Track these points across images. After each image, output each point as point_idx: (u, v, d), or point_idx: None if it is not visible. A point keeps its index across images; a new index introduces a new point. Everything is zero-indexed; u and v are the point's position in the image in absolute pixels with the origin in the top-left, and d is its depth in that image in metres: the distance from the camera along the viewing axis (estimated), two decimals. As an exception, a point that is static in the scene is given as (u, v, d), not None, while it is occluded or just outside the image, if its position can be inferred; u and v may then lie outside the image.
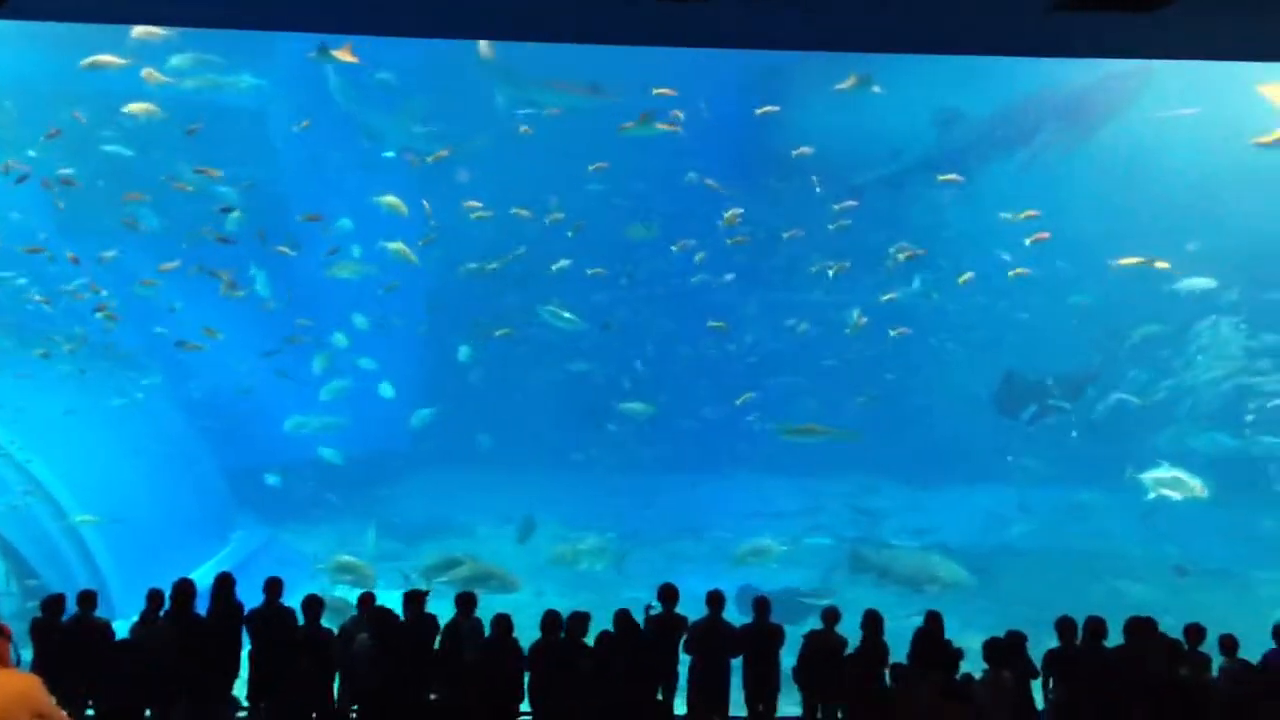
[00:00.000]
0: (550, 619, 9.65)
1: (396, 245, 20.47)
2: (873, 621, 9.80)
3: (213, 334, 19.34)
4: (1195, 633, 9.49)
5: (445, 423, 23.06)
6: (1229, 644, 9.34)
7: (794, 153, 21.77)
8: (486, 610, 10.08)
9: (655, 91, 20.39)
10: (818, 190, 23.16)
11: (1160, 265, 21.00)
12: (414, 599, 10.00)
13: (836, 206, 22.31)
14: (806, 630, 10.17)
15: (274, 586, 9.83)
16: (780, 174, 24.04)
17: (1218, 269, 22.97)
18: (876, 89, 19.95)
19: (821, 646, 9.83)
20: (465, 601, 10.00)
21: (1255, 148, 20.57)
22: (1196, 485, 20.42)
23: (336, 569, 17.68)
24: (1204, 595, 18.74)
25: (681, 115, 21.20)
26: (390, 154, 22.73)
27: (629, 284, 24.96)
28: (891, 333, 22.48)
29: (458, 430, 23.49)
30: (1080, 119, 24.80)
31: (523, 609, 10.92)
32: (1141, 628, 9.65)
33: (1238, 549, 21.37)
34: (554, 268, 21.92)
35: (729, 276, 24.29)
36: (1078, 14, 9.59)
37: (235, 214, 19.30)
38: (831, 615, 9.97)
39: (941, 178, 22.96)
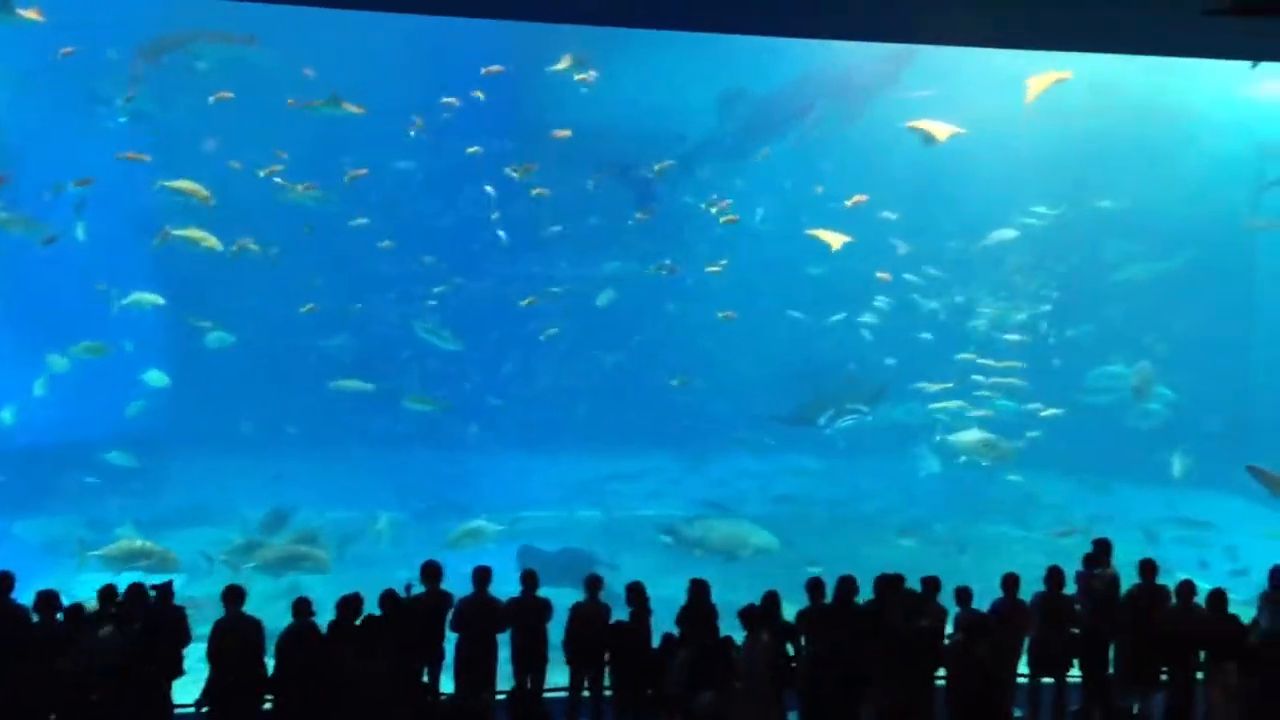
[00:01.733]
0: (300, 604, 9.37)
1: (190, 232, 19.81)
2: (636, 593, 9.93)
3: None
4: (931, 585, 10.09)
5: (199, 406, 22.44)
6: (963, 595, 9.95)
7: (554, 134, 22.03)
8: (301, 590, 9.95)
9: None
10: (591, 185, 23.63)
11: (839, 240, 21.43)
12: (233, 594, 9.51)
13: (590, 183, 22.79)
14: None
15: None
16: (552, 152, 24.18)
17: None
18: (590, 74, 20.29)
19: (586, 617, 9.94)
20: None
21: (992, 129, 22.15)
22: (1005, 447, 21.40)
23: (124, 555, 16.34)
24: (975, 553, 19.95)
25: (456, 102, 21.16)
26: (123, 119, 21.64)
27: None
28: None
29: (213, 414, 22.91)
30: (847, 98, 25.67)
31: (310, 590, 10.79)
32: (888, 584, 10.15)
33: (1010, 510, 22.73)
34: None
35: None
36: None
37: None
38: (594, 584, 10.06)
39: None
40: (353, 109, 19.90)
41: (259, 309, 23.50)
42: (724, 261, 23.64)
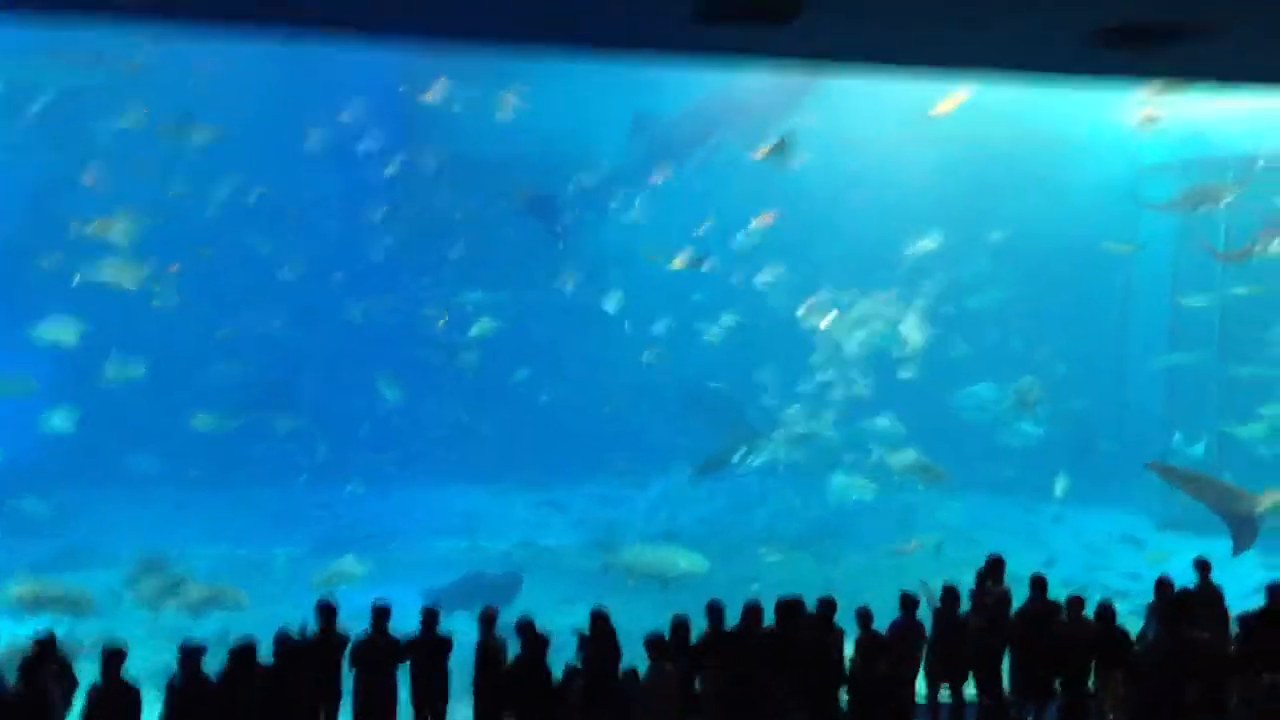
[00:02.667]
0: (188, 651, 9.00)
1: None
2: (526, 629, 9.75)
3: None
4: (827, 606, 10.17)
5: (95, 443, 21.65)
6: (863, 617, 10.06)
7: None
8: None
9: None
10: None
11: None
12: (114, 659, 8.82)
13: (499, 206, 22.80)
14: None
15: None
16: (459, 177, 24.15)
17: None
18: (510, 100, 20.42)
19: (484, 653, 9.79)
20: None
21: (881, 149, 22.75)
22: (937, 470, 21.61)
23: (32, 601, 15.32)
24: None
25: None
26: None
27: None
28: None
29: (96, 448, 22.25)
30: (748, 124, 26.06)
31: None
32: (789, 607, 10.19)
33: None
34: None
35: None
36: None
37: None
38: (487, 618, 9.92)
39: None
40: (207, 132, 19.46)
41: (158, 339, 22.92)
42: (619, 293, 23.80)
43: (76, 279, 20.42)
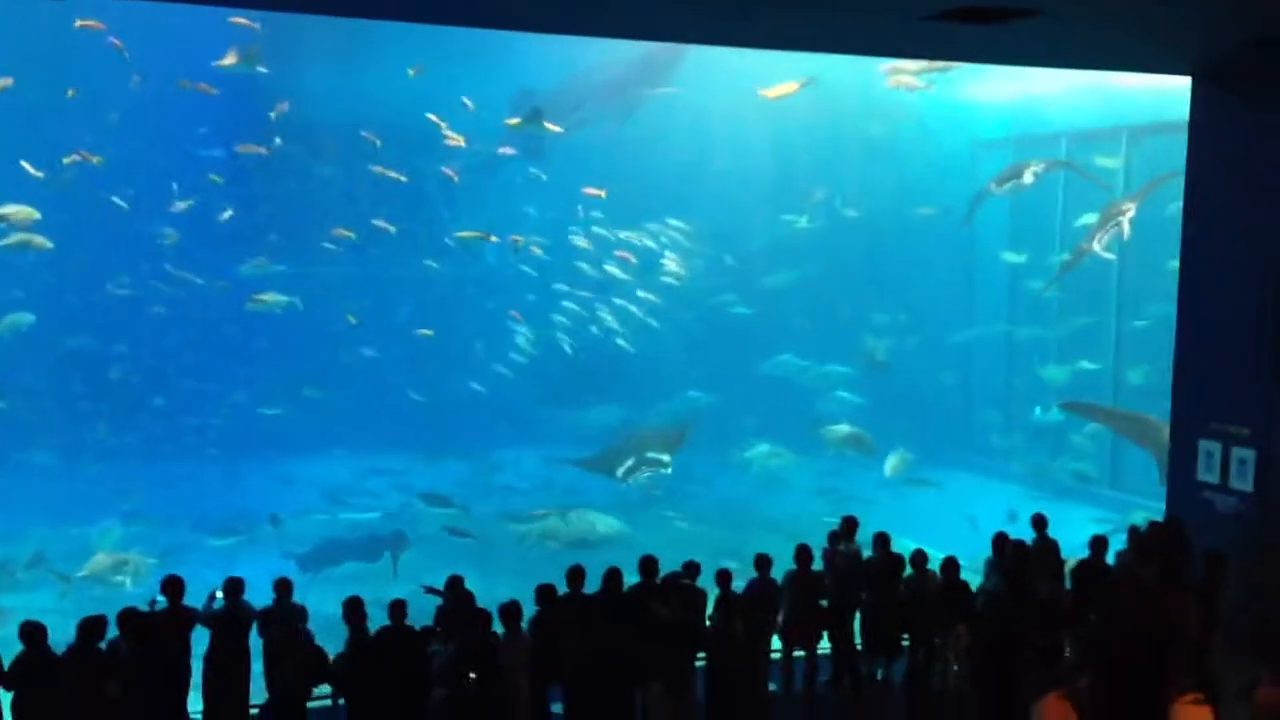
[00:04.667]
0: (29, 629, 8.58)
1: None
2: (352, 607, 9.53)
3: None
4: (689, 569, 10.36)
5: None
6: (722, 578, 10.25)
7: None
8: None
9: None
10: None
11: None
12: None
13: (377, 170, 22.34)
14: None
15: None
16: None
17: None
18: (261, 69, 20.24)
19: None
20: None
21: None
22: (868, 440, 22.90)
23: None
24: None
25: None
26: None
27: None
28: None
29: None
30: (617, 97, 26.32)
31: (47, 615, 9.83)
32: (647, 568, 10.33)
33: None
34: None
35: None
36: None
37: None
38: (282, 587, 9.75)
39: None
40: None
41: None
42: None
43: None
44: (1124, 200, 21.33)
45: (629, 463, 22.14)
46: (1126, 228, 20.85)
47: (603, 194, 23.46)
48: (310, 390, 25.21)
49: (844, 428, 23.36)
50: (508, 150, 24.73)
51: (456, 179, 24.78)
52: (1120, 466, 23.28)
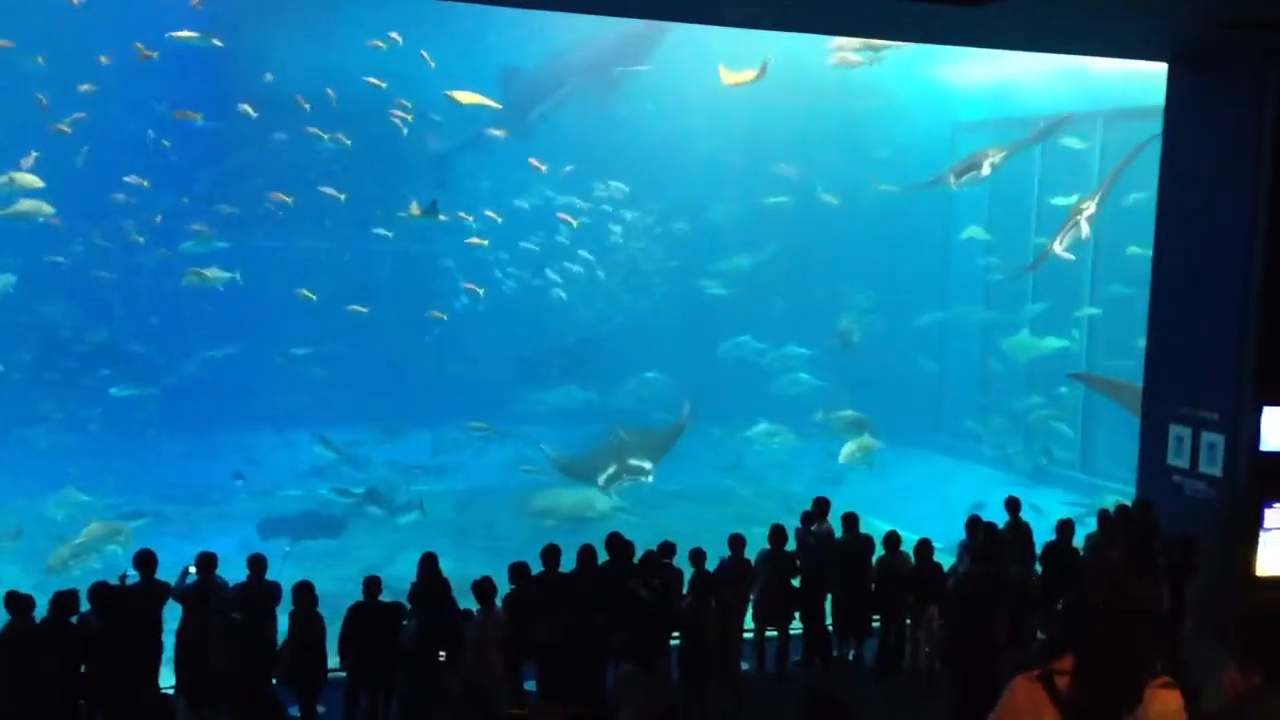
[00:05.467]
0: (18, 599, 8.55)
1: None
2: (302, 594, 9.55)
3: None
4: (665, 549, 10.38)
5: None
6: (696, 556, 10.26)
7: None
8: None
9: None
10: None
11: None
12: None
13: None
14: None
15: None
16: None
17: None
18: (217, 41, 20.16)
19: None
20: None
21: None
22: (790, 435, 23.37)
23: None
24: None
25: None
26: None
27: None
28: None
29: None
30: (599, 76, 26.27)
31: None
32: (619, 547, 10.32)
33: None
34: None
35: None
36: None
37: None
38: (255, 563, 9.73)
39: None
40: None
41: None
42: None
43: None
44: (1084, 200, 21.48)
45: (610, 470, 21.51)
46: (1085, 228, 21.01)
47: (543, 168, 23.50)
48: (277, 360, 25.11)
49: (849, 413, 23.48)
50: (497, 132, 24.49)
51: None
52: (1091, 450, 23.41)
